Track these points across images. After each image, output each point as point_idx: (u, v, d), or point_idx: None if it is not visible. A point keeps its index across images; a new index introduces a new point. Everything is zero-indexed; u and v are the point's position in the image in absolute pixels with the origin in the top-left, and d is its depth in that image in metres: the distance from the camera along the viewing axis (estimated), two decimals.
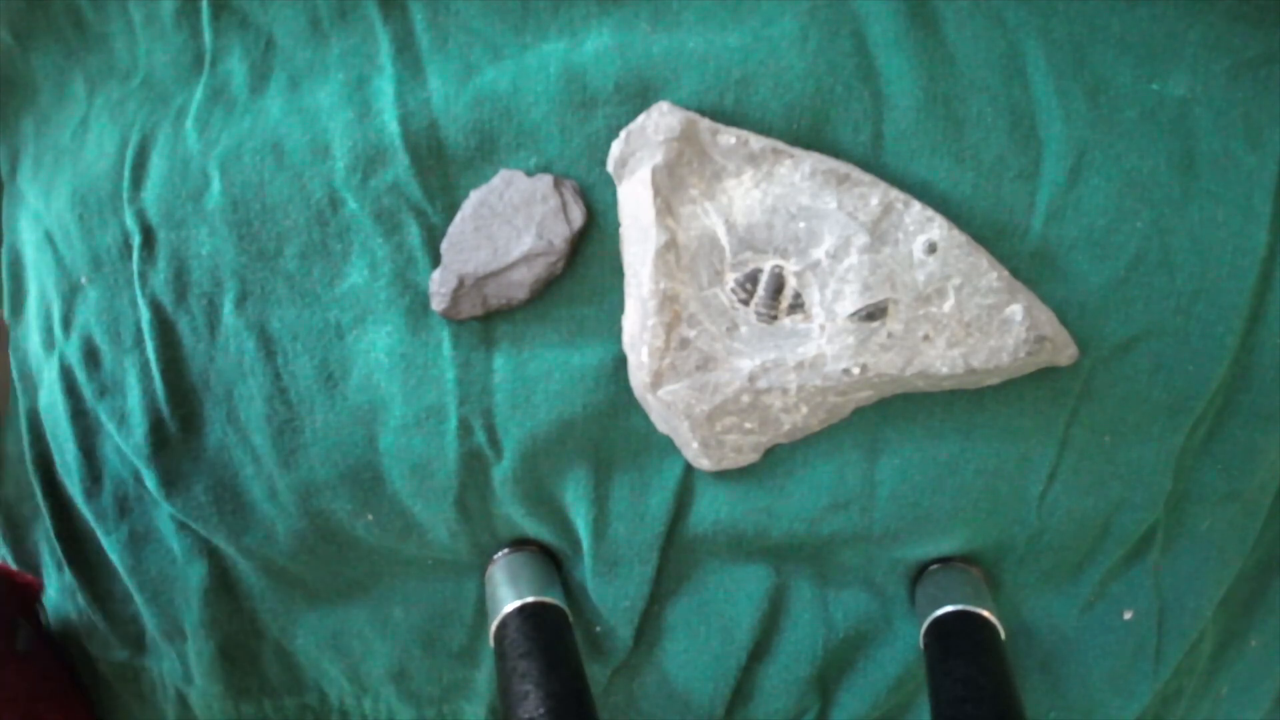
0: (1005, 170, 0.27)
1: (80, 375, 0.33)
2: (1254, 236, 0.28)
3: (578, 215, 0.28)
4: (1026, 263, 0.28)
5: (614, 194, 0.28)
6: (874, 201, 0.26)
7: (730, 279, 0.28)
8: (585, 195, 0.29)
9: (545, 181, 0.28)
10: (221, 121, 0.30)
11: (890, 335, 0.27)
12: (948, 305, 0.27)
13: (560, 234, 0.28)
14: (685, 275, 0.27)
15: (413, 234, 0.29)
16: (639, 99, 0.28)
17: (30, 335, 0.35)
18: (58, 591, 0.38)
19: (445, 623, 0.35)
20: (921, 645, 0.31)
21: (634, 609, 0.33)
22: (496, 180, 0.29)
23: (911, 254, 0.27)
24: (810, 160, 0.27)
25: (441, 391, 0.30)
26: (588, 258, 0.29)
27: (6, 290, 0.36)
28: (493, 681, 0.36)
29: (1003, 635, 0.31)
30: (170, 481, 0.32)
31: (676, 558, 0.33)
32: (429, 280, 0.29)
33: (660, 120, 0.26)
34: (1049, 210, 0.28)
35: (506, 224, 0.28)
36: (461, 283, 0.29)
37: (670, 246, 0.27)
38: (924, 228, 0.27)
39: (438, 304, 0.29)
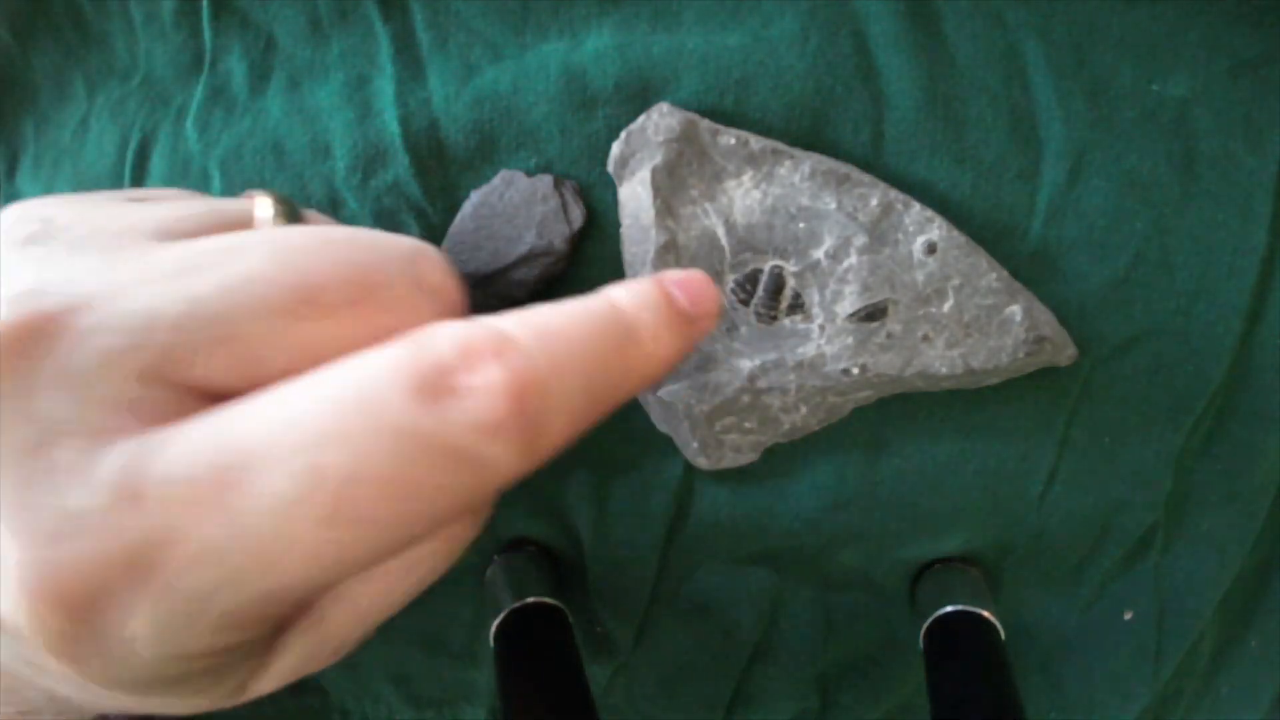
0: (1005, 170, 0.27)
1: None
2: (1254, 236, 0.28)
3: (578, 215, 0.28)
4: (1026, 263, 0.28)
5: (614, 194, 0.28)
6: (874, 202, 0.26)
7: (730, 279, 0.28)
8: (585, 195, 0.29)
9: (545, 182, 0.28)
10: (222, 121, 0.30)
11: (890, 336, 0.27)
12: (947, 306, 0.27)
13: (560, 234, 0.28)
14: None
15: (413, 234, 0.29)
16: (639, 99, 0.28)
17: None
18: None
19: (445, 623, 0.35)
20: (921, 645, 0.31)
21: (634, 609, 0.33)
22: (497, 180, 0.29)
23: (911, 254, 0.27)
24: (810, 161, 0.27)
25: None
26: (588, 258, 0.29)
27: None
28: (493, 681, 0.36)
29: (1003, 635, 0.31)
30: None
31: (677, 558, 0.33)
32: None
33: (660, 121, 0.26)
34: (1049, 210, 0.28)
35: (507, 224, 0.28)
36: (462, 283, 0.29)
37: (670, 247, 0.27)
38: (924, 228, 0.27)
39: None
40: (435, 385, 0.13)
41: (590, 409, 0.16)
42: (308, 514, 0.13)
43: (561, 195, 0.28)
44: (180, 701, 0.17)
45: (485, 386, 0.14)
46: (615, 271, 0.29)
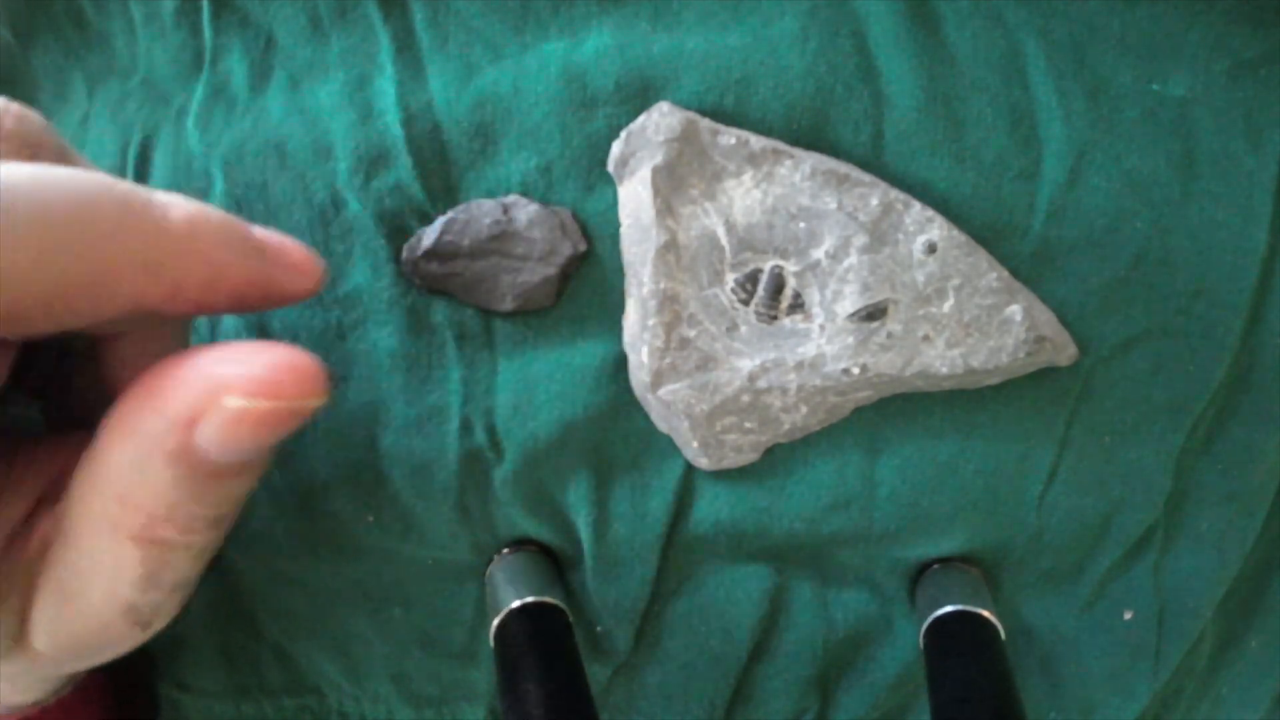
0: (1005, 170, 0.27)
1: None
2: (1254, 236, 0.28)
3: (578, 239, 0.28)
4: (1026, 263, 0.28)
5: (614, 194, 0.28)
6: (874, 202, 0.26)
7: (730, 279, 0.28)
8: (583, 227, 0.29)
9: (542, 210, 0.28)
10: (223, 121, 0.30)
11: (890, 335, 0.27)
12: (947, 305, 0.27)
13: (568, 247, 0.28)
14: (685, 275, 0.27)
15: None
16: (639, 99, 0.28)
17: None
18: None
19: (445, 623, 0.35)
20: (921, 645, 0.31)
21: (634, 609, 0.33)
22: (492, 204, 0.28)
23: (911, 254, 0.27)
24: (810, 160, 0.27)
25: (443, 392, 0.30)
26: (588, 258, 0.29)
27: None
28: (493, 681, 0.36)
29: (1003, 635, 0.31)
30: None
31: (677, 558, 0.33)
32: None
33: (660, 121, 0.26)
34: (1049, 210, 0.28)
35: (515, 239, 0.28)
36: None
37: (670, 246, 0.27)
38: (924, 228, 0.27)
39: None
40: None
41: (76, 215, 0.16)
42: None
43: (560, 219, 0.28)
44: None
45: None
46: (616, 271, 0.29)
